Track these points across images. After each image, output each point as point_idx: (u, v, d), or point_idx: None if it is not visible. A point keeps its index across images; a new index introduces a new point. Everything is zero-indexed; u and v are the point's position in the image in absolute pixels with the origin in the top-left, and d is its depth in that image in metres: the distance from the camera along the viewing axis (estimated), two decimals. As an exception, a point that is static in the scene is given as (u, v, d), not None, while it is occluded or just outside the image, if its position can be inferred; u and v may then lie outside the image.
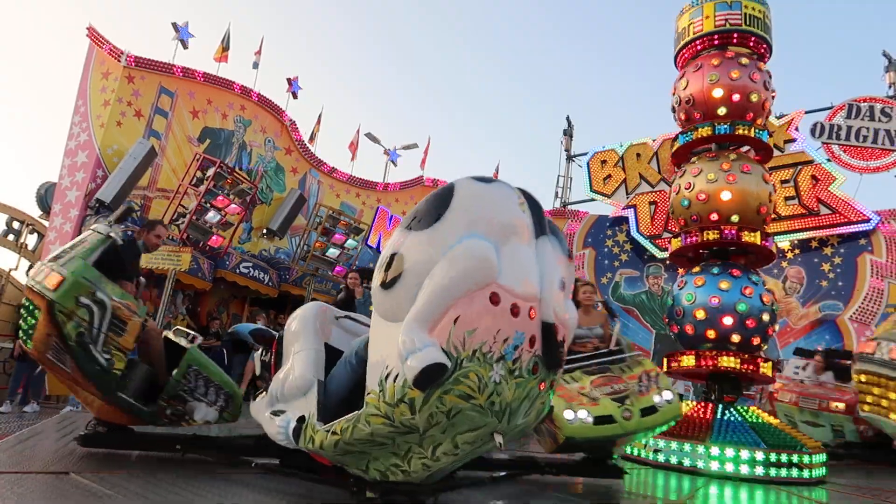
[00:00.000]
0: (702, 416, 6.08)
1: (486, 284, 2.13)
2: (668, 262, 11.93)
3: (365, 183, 15.50)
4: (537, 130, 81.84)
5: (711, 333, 6.22)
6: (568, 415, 3.77)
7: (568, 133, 18.04)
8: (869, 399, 6.18)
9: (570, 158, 17.78)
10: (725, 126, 6.62)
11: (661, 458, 5.77)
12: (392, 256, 2.26)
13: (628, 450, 5.95)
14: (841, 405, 8.25)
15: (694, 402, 6.54)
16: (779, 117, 13.60)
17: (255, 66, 13.95)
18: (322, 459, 2.83)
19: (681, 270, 7.29)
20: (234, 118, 12.87)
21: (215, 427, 3.99)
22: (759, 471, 5.39)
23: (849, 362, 8.25)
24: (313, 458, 2.89)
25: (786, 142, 13.66)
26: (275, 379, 3.05)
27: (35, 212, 12.60)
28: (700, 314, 6.26)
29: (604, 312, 5.02)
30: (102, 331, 3.15)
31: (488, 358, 2.14)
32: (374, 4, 77.05)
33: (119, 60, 10.80)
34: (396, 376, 2.20)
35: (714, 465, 5.47)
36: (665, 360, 6.77)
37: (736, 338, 6.15)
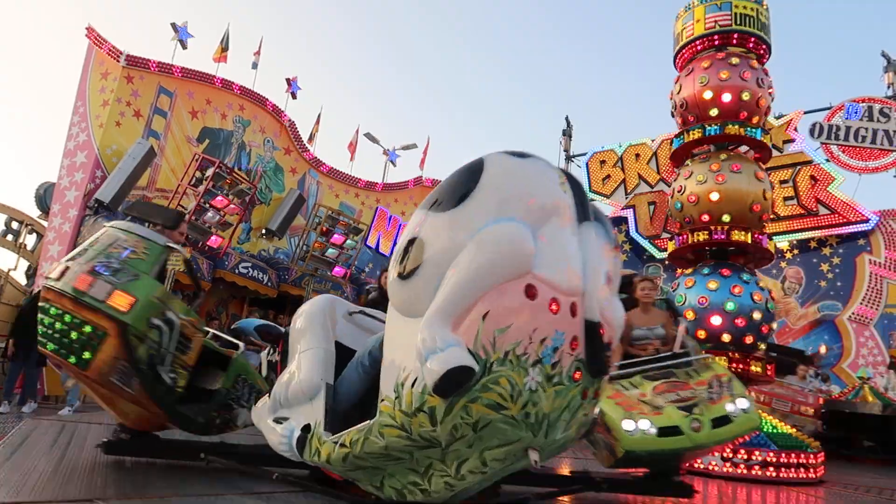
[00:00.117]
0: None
1: (520, 275, 1.81)
2: (666, 262, 11.93)
3: (364, 183, 15.55)
4: (537, 130, 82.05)
5: (702, 333, 6.24)
6: (627, 425, 3.30)
7: (567, 133, 18.02)
8: None
9: (569, 158, 17.76)
10: (715, 127, 6.64)
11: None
12: (410, 242, 1.94)
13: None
14: (810, 410, 8.83)
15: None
16: (778, 118, 13.58)
17: (255, 66, 13.99)
18: (332, 473, 2.51)
19: (679, 272, 7.32)
20: (233, 118, 12.92)
21: (239, 434, 3.86)
22: (771, 472, 5.41)
23: (793, 360, 10.14)
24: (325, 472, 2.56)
25: (785, 142, 13.63)
26: (278, 381, 2.73)
27: (34, 212, 12.58)
28: (689, 315, 6.28)
29: (666, 311, 4.51)
30: (171, 351, 2.94)
31: (523, 361, 1.82)
32: (374, 4, 77.29)
33: (118, 61, 10.84)
34: (415, 381, 1.90)
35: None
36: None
37: (727, 337, 6.18)
